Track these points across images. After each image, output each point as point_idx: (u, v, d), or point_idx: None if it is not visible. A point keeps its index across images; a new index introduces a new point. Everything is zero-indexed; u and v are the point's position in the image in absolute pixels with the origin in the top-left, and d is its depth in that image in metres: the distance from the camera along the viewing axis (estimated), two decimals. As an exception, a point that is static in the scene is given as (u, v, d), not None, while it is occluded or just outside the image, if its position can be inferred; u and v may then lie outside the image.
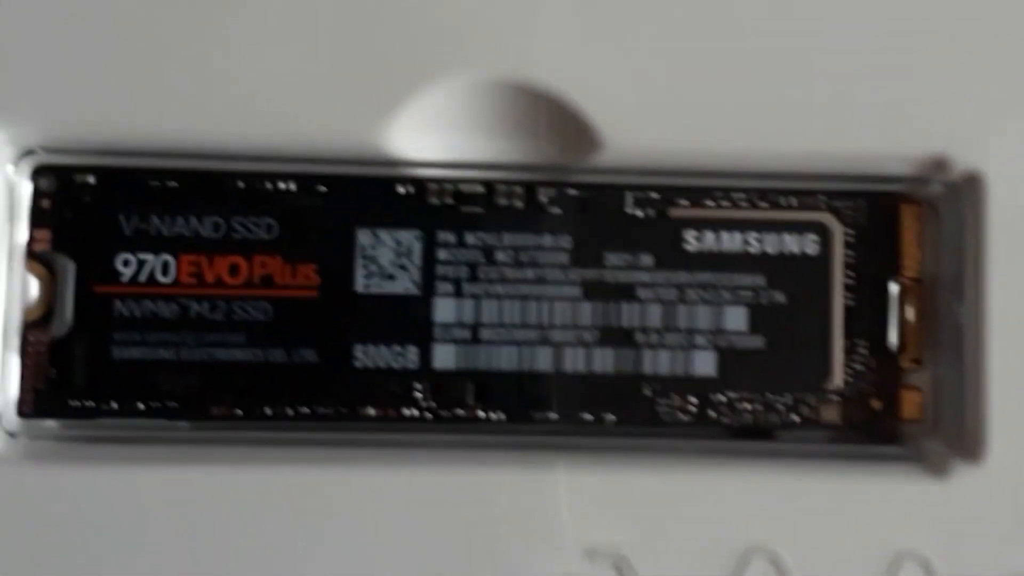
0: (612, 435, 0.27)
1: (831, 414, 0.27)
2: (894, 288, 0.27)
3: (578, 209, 0.27)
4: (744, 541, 0.26)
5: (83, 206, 0.26)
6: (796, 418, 0.27)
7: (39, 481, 0.25)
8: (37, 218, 0.26)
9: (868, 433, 0.27)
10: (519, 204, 0.27)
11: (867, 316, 0.27)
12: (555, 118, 0.26)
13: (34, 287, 0.26)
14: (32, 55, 0.25)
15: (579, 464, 0.26)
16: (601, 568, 0.25)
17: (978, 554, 0.26)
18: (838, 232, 0.27)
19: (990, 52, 0.26)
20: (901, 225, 0.27)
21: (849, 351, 0.27)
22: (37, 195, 0.26)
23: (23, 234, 0.26)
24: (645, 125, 0.26)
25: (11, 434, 0.26)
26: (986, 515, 0.26)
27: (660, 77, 0.26)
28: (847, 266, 0.27)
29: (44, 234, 0.26)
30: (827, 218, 0.27)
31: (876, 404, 0.27)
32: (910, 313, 0.27)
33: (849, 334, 0.27)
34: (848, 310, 0.27)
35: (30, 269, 0.26)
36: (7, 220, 0.26)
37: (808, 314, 0.27)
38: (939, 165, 0.26)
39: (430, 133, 0.26)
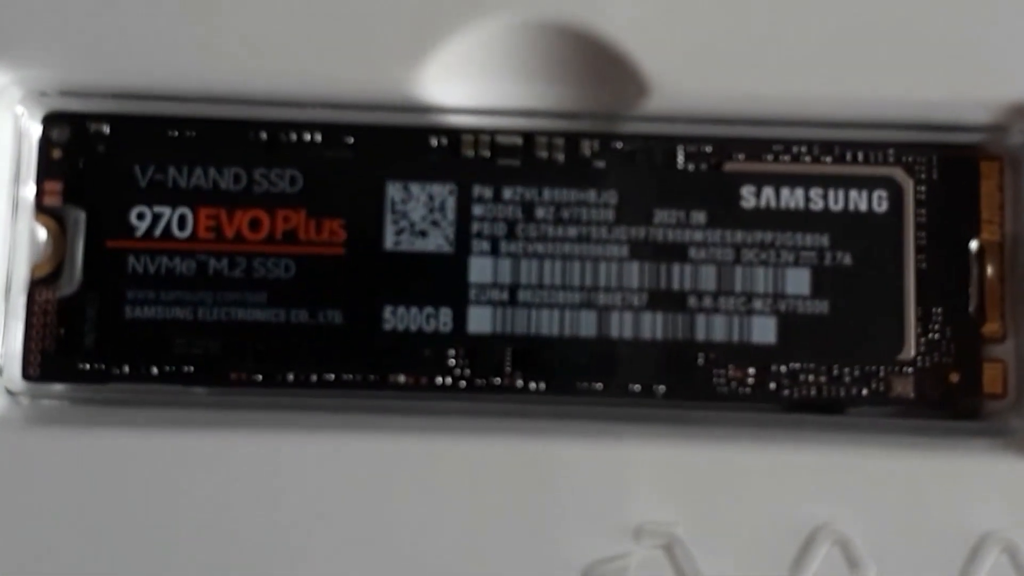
0: (663, 408, 0.26)
1: (903, 387, 0.26)
2: (973, 250, 0.26)
3: (625, 162, 0.27)
4: (809, 523, 0.25)
5: (97, 156, 0.26)
6: (865, 391, 0.26)
7: (42, 446, 0.24)
8: (48, 169, 0.26)
9: (945, 408, 0.26)
10: (560, 157, 0.27)
11: (943, 281, 0.26)
12: (598, 61, 0.25)
13: (43, 242, 0.25)
14: None
15: (627, 438, 0.25)
16: (650, 548, 0.24)
17: None
18: (909, 188, 0.26)
19: None
20: (980, 181, 0.27)
21: (923, 319, 0.26)
22: (48, 145, 0.26)
23: (31, 186, 0.26)
24: (697, 69, 0.25)
25: (12, 393, 0.25)
26: None
27: (713, 16, 0.25)
28: (919, 226, 0.26)
29: (55, 186, 0.26)
30: (898, 173, 0.26)
31: (954, 377, 0.26)
32: (991, 277, 0.26)
33: (923, 300, 0.26)
34: (921, 274, 0.26)
35: (39, 222, 0.25)
36: (14, 170, 0.25)
37: (877, 277, 0.26)
38: (1020, 112, 0.26)
39: (465, 78, 0.26)
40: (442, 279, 0.27)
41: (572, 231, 0.26)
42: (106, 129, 0.26)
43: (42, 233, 0.26)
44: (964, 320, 0.26)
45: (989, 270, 0.26)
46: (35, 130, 0.26)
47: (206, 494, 0.24)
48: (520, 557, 0.24)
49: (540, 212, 0.26)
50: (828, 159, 0.27)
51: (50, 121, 0.26)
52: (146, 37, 0.25)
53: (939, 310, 0.26)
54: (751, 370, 0.26)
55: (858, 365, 0.26)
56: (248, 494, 0.24)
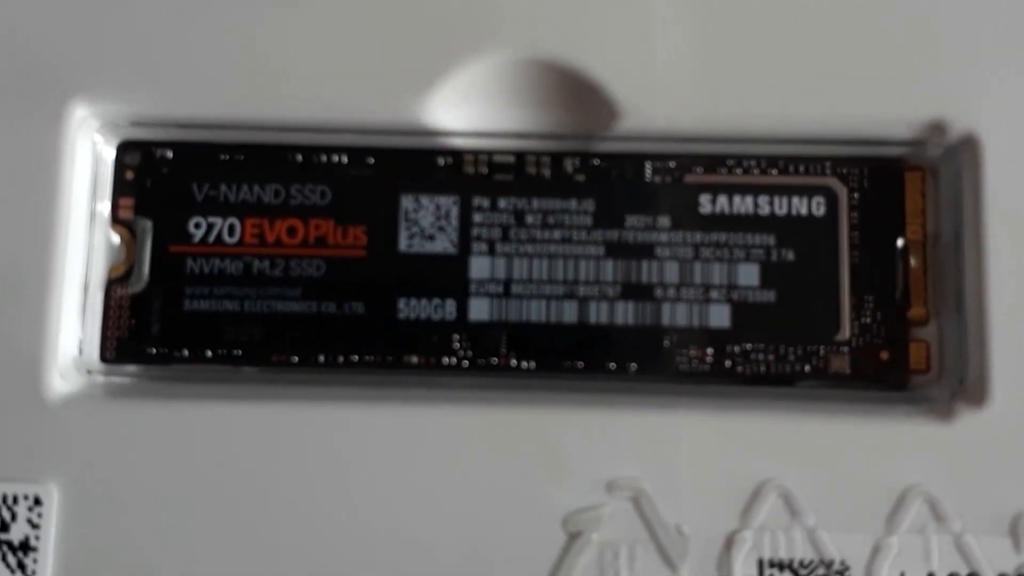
0: (635, 382, 0.28)
1: (840, 364, 0.28)
2: (899, 247, 0.28)
3: (601, 176, 0.29)
4: (757, 478, 0.27)
5: (161, 176, 0.29)
6: (807, 368, 0.28)
7: (117, 416, 0.27)
8: (121, 187, 0.28)
9: (877, 381, 0.28)
10: (547, 172, 0.29)
11: (874, 273, 0.28)
12: (578, 90, 0.27)
13: (117, 248, 0.28)
14: (116, 38, 0.28)
15: (603, 408, 0.27)
16: (621, 499, 0.26)
17: (981, 492, 0.26)
18: (844, 195, 0.28)
19: (982, 16, 0.28)
20: (904, 189, 0.28)
21: (857, 306, 0.28)
22: (122, 167, 0.28)
23: (107, 201, 0.28)
24: (661, 96, 0.27)
25: (90, 372, 0.27)
26: (989, 456, 0.27)
27: (674, 50, 0.27)
28: (852, 227, 0.28)
29: (127, 201, 0.28)
30: (833, 183, 0.28)
31: (884, 355, 0.28)
32: (915, 270, 0.28)
33: (856, 290, 0.28)
34: (855, 267, 0.28)
35: (114, 231, 0.28)
36: (92, 188, 0.28)
37: (817, 271, 0.28)
38: (937, 128, 0.27)
39: (464, 106, 0.28)
40: (447, 275, 0.28)
41: (556, 234, 0.28)
42: (169, 154, 0.29)
43: (116, 240, 0.28)
44: (892, 306, 0.28)
45: (913, 264, 0.28)
46: (110, 155, 0.28)
47: (252, 455, 0.27)
48: (511, 506, 0.26)
49: (529, 219, 0.28)
50: (774, 171, 0.29)
51: (123, 148, 0.28)
52: (201, 76, 0.28)
53: (870, 298, 0.28)
54: (709, 350, 0.28)
55: (801, 345, 0.28)
56: (286, 455, 0.27)
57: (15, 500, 0.26)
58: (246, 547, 0.26)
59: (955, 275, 0.28)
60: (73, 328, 0.28)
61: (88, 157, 0.28)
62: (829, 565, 0.26)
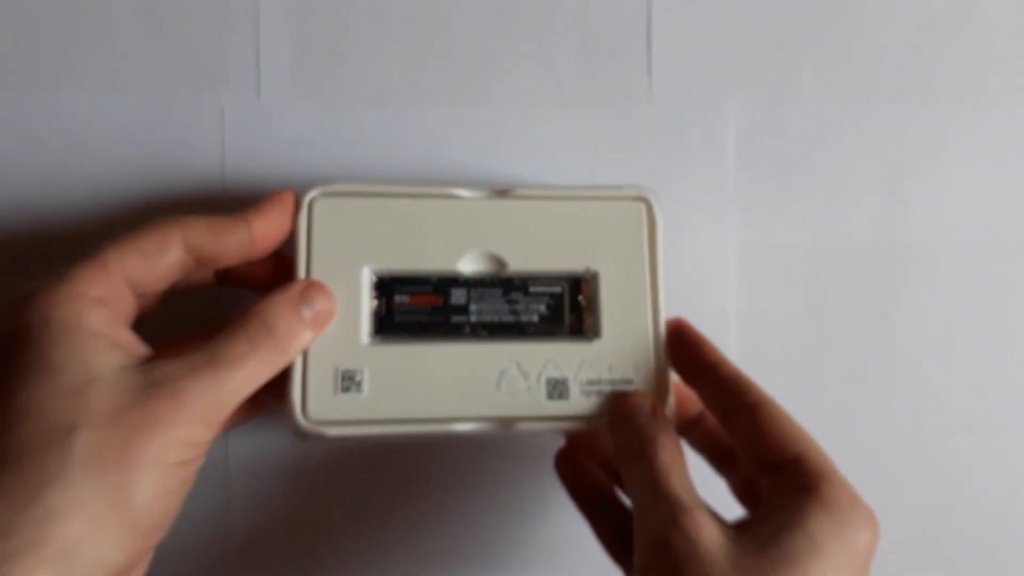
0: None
1: (572, 326, 0.63)
2: (580, 301, 0.61)
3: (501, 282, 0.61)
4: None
5: (387, 283, 0.61)
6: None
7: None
8: (371, 291, 0.60)
9: (576, 333, 0.63)
10: (488, 281, 0.62)
11: (575, 306, 0.62)
12: (496, 259, 0.61)
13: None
14: (367, 241, 0.61)
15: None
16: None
17: (597, 366, 0.60)
18: (566, 289, 0.63)
19: (606, 225, 0.61)
20: (581, 286, 0.62)
21: (570, 313, 0.62)
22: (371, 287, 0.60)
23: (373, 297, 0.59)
24: (522, 262, 0.61)
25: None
26: (602, 353, 0.60)
27: (524, 251, 0.62)
28: (570, 300, 0.62)
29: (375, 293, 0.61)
30: (562, 284, 0.62)
31: (583, 324, 0.63)
32: (585, 302, 0.62)
33: (571, 310, 0.62)
34: (571, 305, 0.61)
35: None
36: (371, 296, 0.60)
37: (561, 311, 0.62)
38: (589, 270, 0.62)
39: (465, 265, 0.61)
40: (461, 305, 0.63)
41: (494, 293, 0.65)
42: (389, 276, 0.60)
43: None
44: (580, 311, 0.65)
45: (582, 301, 0.66)
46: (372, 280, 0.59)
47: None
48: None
49: (485, 293, 0.63)
50: (542, 280, 0.61)
51: (376, 280, 0.60)
52: (392, 264, 0.63)
53: (576, 313, 0.65)
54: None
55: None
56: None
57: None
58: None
59: (595, 305, 0.61)
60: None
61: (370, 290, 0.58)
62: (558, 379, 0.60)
